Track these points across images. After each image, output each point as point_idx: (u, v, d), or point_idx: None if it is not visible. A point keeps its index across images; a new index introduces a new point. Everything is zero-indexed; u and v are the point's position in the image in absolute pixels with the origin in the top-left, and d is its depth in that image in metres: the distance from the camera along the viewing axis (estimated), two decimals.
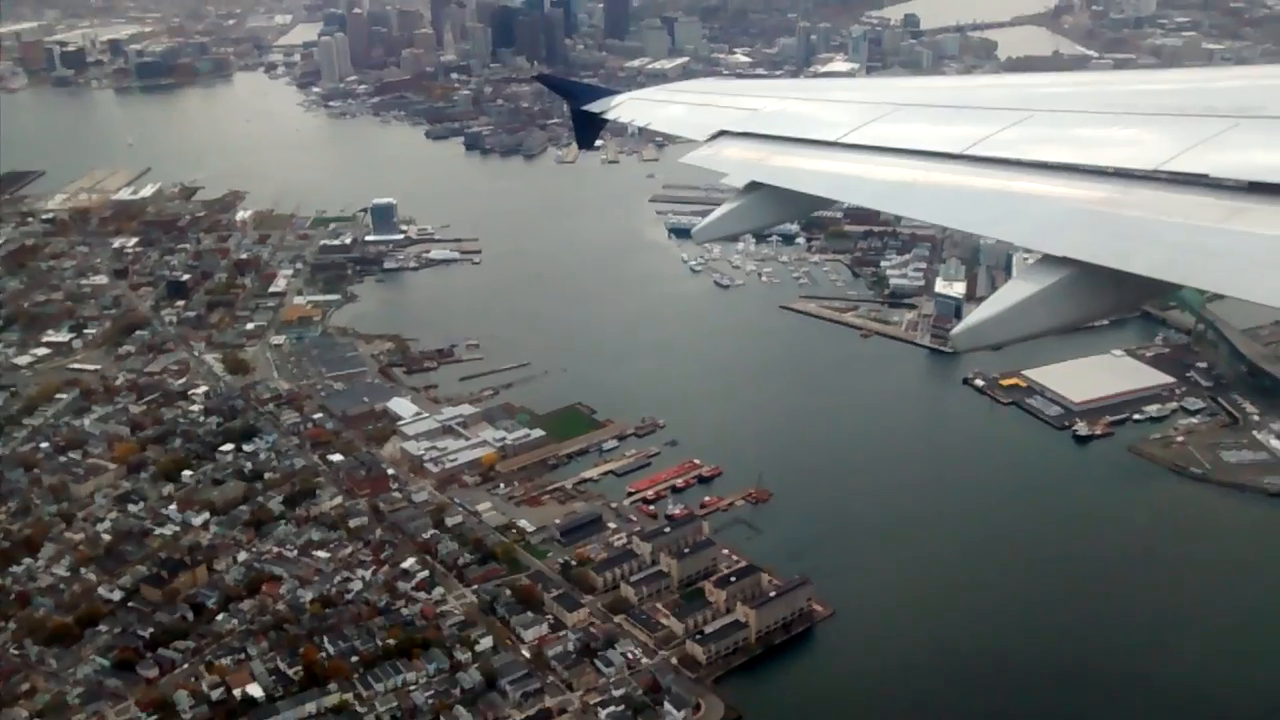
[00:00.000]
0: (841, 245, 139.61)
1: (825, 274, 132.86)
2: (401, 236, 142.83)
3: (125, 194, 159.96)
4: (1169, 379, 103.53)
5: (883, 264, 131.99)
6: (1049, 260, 7.65)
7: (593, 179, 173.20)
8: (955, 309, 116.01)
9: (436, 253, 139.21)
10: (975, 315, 7.62)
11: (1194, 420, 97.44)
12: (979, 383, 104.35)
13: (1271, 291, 6.51)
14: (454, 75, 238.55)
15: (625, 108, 19.16)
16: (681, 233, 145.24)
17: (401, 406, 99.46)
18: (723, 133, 14.50)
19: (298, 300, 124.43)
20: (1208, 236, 7.14)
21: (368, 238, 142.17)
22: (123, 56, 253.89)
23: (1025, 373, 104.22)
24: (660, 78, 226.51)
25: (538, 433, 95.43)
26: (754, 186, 12.27)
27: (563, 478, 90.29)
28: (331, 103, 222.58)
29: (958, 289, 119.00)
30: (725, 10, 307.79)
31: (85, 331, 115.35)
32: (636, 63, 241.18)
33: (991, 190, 9.27)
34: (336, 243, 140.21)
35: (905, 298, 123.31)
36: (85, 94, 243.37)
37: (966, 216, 9.55)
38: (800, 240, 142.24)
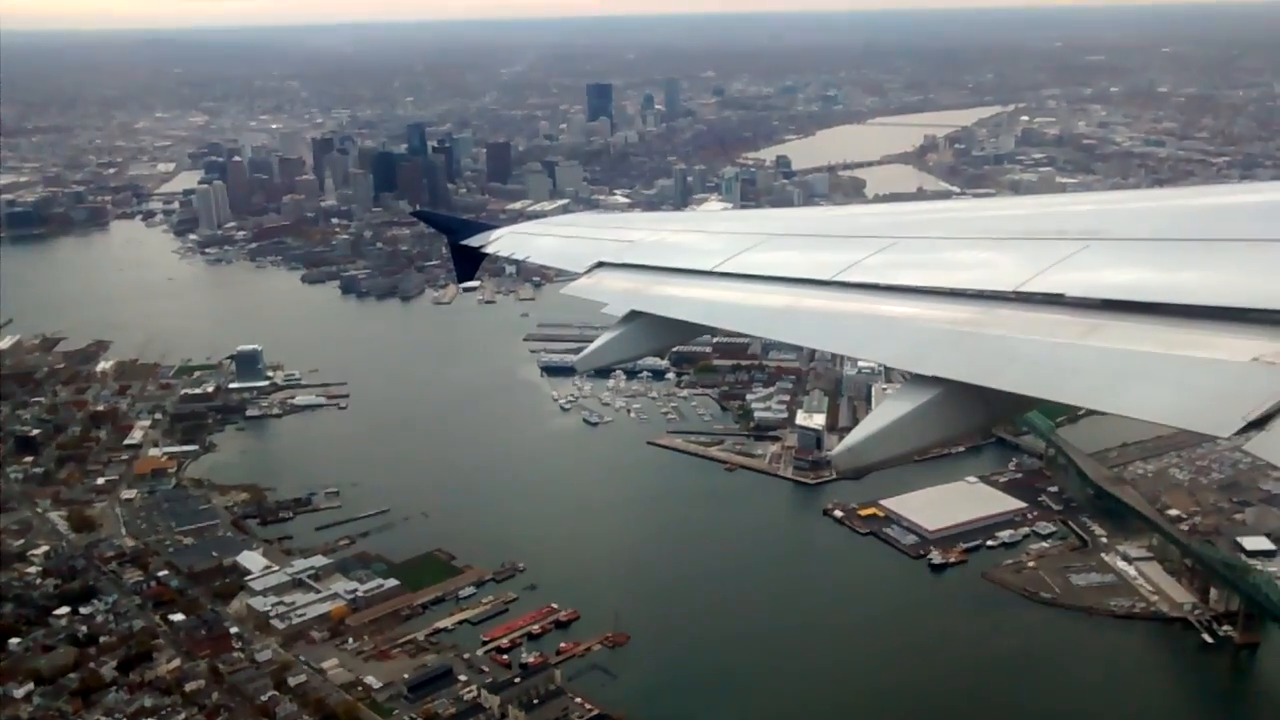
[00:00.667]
0: (710, 380, 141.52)
1: (693, 408, 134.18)
2: (266, 383, 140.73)
3: None
4: (1021, 504, 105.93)
5: (748, 397, 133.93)
6: (919, 380, 7.81)
7: (468, 319, 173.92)
8: (816, 440, 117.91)
9: (301, 399, 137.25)
10: (853, 437, 7.71)
11: (1045, 544, 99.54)
12: (838, 514, 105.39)
13: (1128, 403, 6.70)
14: (334, 220, 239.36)
15: (504, 241, 19.14)
16: (553, 370, 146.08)
17: (251, 560, 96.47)
18: (601, 264, 14.72)
19: (153, 452, 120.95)
20: (1067, 352, 7.34)
21: (231, 385, 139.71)
22: None
23: (883, 502, 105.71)
24: (540, 218, 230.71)
25: (392, 582, 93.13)
26: (633, 315, 12.41)
27: (417, 629, 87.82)
28: (208, 250, 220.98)
29: (818, 420, 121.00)
30: (606, 154, 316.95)
31: None
32: (518, 205, 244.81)
33: (861, 314, 9.50)
34: (198, 391, 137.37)
35: (770, 430, 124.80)
36: None
37: (838, 341, 9.86)
38: (670, 375, 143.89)
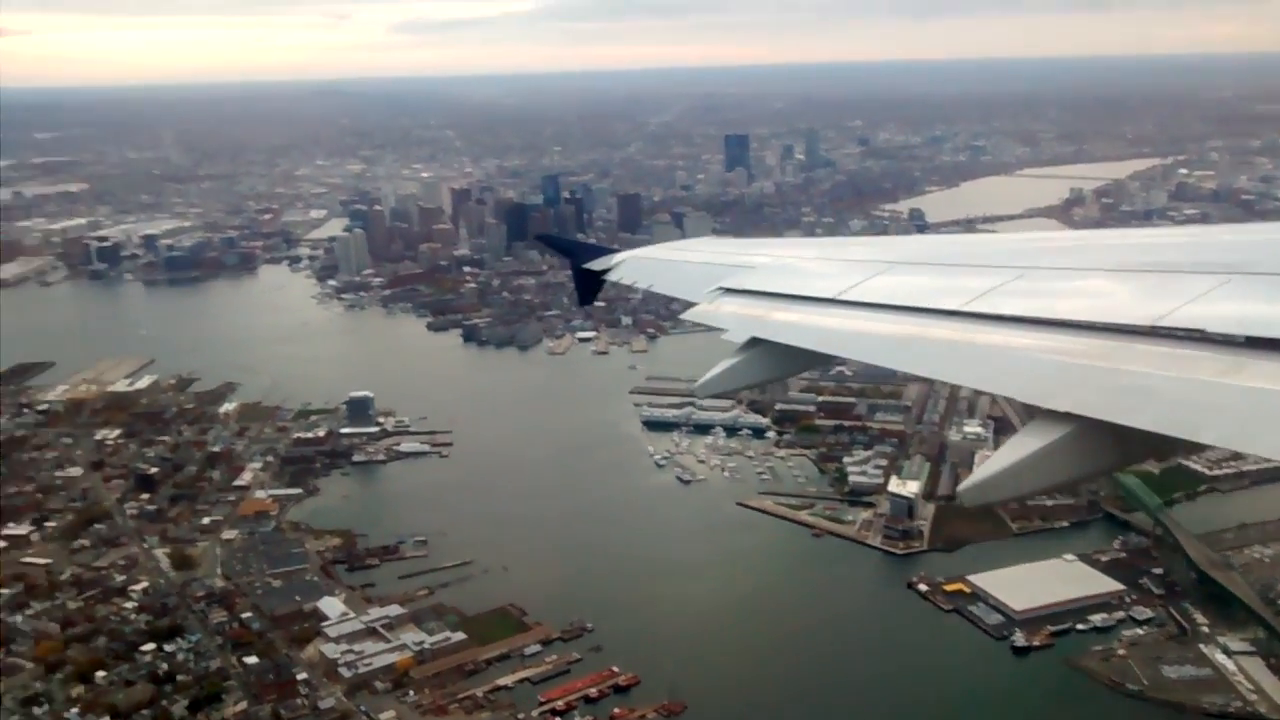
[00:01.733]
0: (810, 440, 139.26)
1: (789, 469, 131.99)
2: (376, 429, 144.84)
3: (122, 385, 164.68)
4: (1120, 586, 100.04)
5: (846, 460, 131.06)
6: (1051, 416, 7.73)
7: (579, 370, 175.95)
8: (907, 508, 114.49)
9: (406, 445, 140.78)
10: (981, 472, 7.74)
11: (1140, 631, 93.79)
12: (922, 587, 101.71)
13: (1272, 445, 6.55)
14: (466, 269, 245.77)
15: (625, 266, 19.61)
16: (654, 425, 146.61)
17: (331, 606, 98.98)
18: (722, 289, 14.83)
19: (259, 494, 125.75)
20: (1207, 391, 7.18)
21: (343, 430, 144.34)
22: (154, 251, 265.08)
23: (970, 578, 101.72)
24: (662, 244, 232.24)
25: (460, 636, 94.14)
26: (753, 342, 12.48)
27: (478, 685, 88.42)
28: (344, 295, 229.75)
29: (912, 488, 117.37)
30: (740, 205, 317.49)
31: (46, 524, 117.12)
32: None
33: (991, 346, 9.40)
34: (310, 435, 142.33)
35: (864, 495, 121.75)
36: (117, 287, 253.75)
37: (964, 372, 9.70)
38: (770, 434, 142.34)
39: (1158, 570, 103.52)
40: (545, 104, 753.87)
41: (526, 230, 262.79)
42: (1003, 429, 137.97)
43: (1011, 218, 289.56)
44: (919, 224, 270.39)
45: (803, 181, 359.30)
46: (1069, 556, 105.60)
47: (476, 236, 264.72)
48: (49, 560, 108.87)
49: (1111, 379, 7.79)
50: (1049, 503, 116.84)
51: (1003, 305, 9.68)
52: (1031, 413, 7.97)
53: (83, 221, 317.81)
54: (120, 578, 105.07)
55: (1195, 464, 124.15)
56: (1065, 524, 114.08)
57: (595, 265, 20.00)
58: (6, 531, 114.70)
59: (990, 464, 7.71)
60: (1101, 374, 7.90)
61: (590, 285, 20.14)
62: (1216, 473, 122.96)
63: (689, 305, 15.02)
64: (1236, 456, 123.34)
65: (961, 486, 7.90)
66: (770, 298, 13.55)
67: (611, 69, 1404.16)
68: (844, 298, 12.03)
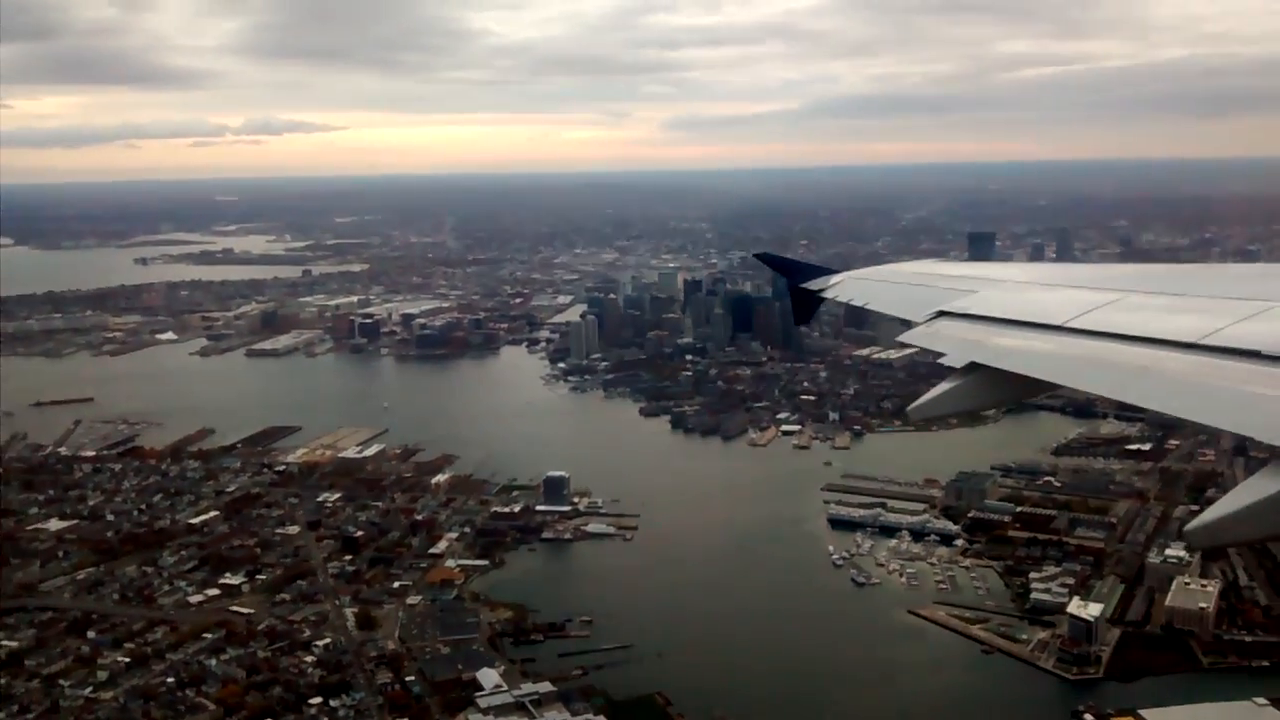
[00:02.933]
0: (1000, 550, 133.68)
1: (971, 580, 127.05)
2: (569, 508, 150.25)
3: (353, 452, 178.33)
4: None
5: (1032, 574, 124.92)
6: None
7: (776, 463, 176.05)
8: (1086, 632, 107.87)
9: (593, 526, 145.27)
10: (1212, 512, 7.52)
11: None
12: (1088, 717, 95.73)
13: None
14: (689, 357, 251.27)
15: (843, 287, 20.17)
16: (839, 523, 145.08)
17: (487, 677, 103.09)
18: (942, 313, 15.08)
19: (450, 563, 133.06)
20: None
21: (538, 507, 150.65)
22: (409, 328, 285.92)
23: (1142, 711, 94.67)
24: (886, 366, 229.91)
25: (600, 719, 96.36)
26: (973, 367, 12.55)
27: None
28: (570, 377, 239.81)
29: (1094, 610, 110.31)
30: None
31: (258, 577, 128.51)
32: (865, 351, 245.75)
33: (1231, 381, 9.10)
34: (506, 510, 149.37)
35: (1045, 614, 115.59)
36: (373, 360, 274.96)
37: (1199, 408, 9.22)
38: (959, 542, 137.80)
39: None
40: (803, 198, 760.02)
41: (751, 321, 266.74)
42: (1211, 553, 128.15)
43: None
44: None
45: None
46: (1260, 700, 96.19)
47: (702, 325, 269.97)
48: (252, 610, 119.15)
49: None
50: (1248, 639, 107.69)
51: (1244, 340, 9.36)
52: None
53: (354, 299, 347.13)
54: (308, 632, 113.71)
55: None
56: (1266, 663, 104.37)
57: (813, 285, 20.69)
58: (222, 580, 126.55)
59: (1222, 505, 7.39)
60: None
61: (807, 305, 21.07)
62: None
63: (907, 326, 15.43)
64: None
65: (1189, 526, 7.60)
66: (991, 322, 13.62)
67: (876, 164, 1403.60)
68: (1071, 325, 11.93)
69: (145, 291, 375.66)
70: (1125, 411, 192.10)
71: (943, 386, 12.74)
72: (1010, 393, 12.58)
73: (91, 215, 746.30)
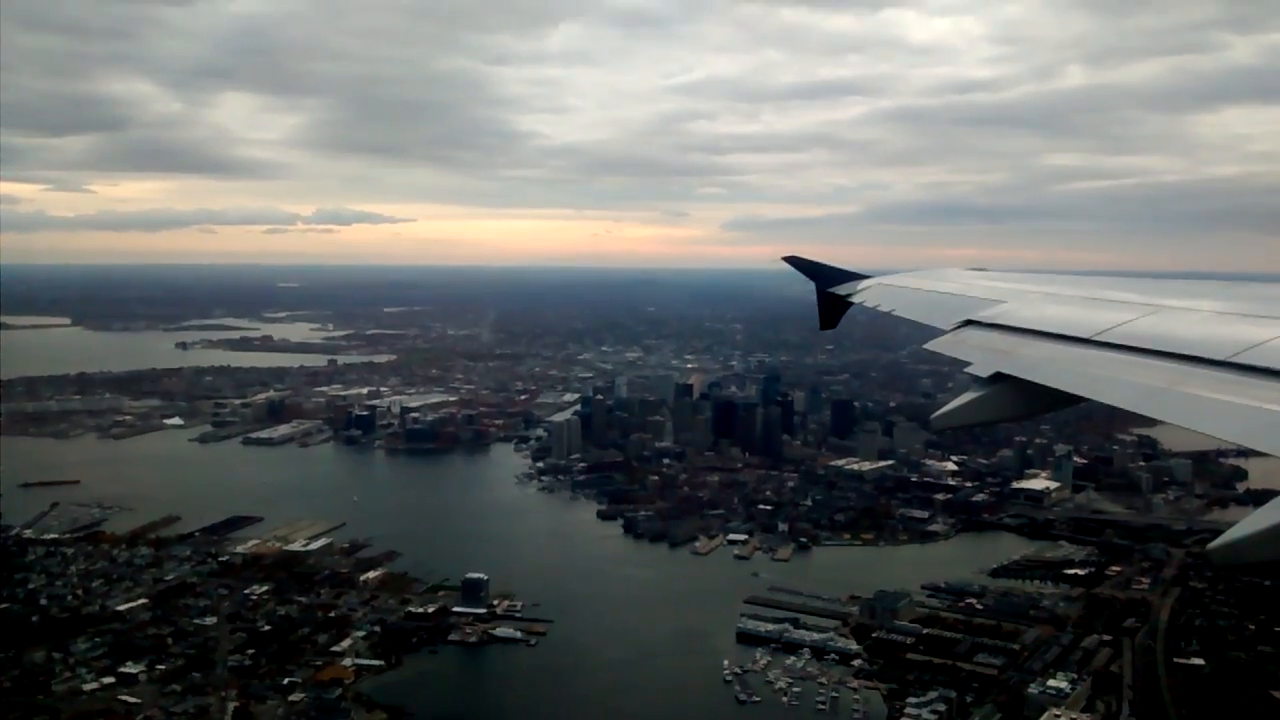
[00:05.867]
0: (893, 673, 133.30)
1: (853, 703, 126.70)
2: (485, 610, 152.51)
3: (299, 545, 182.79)
4: None
5: (910, 700, 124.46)
6: None
7: (711, 572, 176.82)
8: None
9: (501, 630, 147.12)
10: (1235, 531, 7.39)
11: None
12: None
13: None
14: (666, 460, 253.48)
15: (871, 292, 20.52)
16: (746, 637, 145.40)
17: None
18: (969, 321, 15.03)
19: (345, 662, 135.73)
20: None
21: (454, 609, 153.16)
22: (404, 422, 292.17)
23: None
24: (857, 478, 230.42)
25: None
26: (999, 378, 12.40)
27: None
28: (544, 478, 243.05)
29: None
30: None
31: (158, 666, 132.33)
32: (841, 461, 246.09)
33: (1258, 400, 8.94)
34: (421, 610, 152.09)
35: None
36: (365, 452, 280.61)
37: (1223, 425, 9.12)
38: (857, 661, 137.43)
39: None
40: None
41: (734, 428, 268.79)
42: (1105, 687, 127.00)
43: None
44: (1146, 452, 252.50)
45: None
46: None
47: (685, 430, 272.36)
48: (139, 700, 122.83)
49: None
50: None
51: (1276, 359, 9.31)
52: None
53: (363, 391, 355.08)
54: None
55: None
56: None
57: (841, 290, 21.28)
58: (121, 669, 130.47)
59: (1250, 523, 7.34)
60: None
61: (833, 310, 21.58)
62: None
63: (936, 333, 15.32)
64: None
65: (1212, 545, 7.47)
66: (1019, 333, 13.48)
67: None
68: (1101, 338, 11.84)
69: (169, 376, 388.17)
70: (1079, 535, 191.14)
71: (967, 396, 12.65)
72: (1035, 405, 12.47)
73: (152, 298, 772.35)
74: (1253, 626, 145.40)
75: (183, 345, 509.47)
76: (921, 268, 25.50)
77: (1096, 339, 11.74)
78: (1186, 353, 10.33)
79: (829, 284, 21.49)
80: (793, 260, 27.41)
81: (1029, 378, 11.86)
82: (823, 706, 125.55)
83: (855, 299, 20.11)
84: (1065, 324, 12.92)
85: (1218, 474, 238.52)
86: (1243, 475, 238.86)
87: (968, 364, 13.31)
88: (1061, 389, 11.35)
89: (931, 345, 14.72)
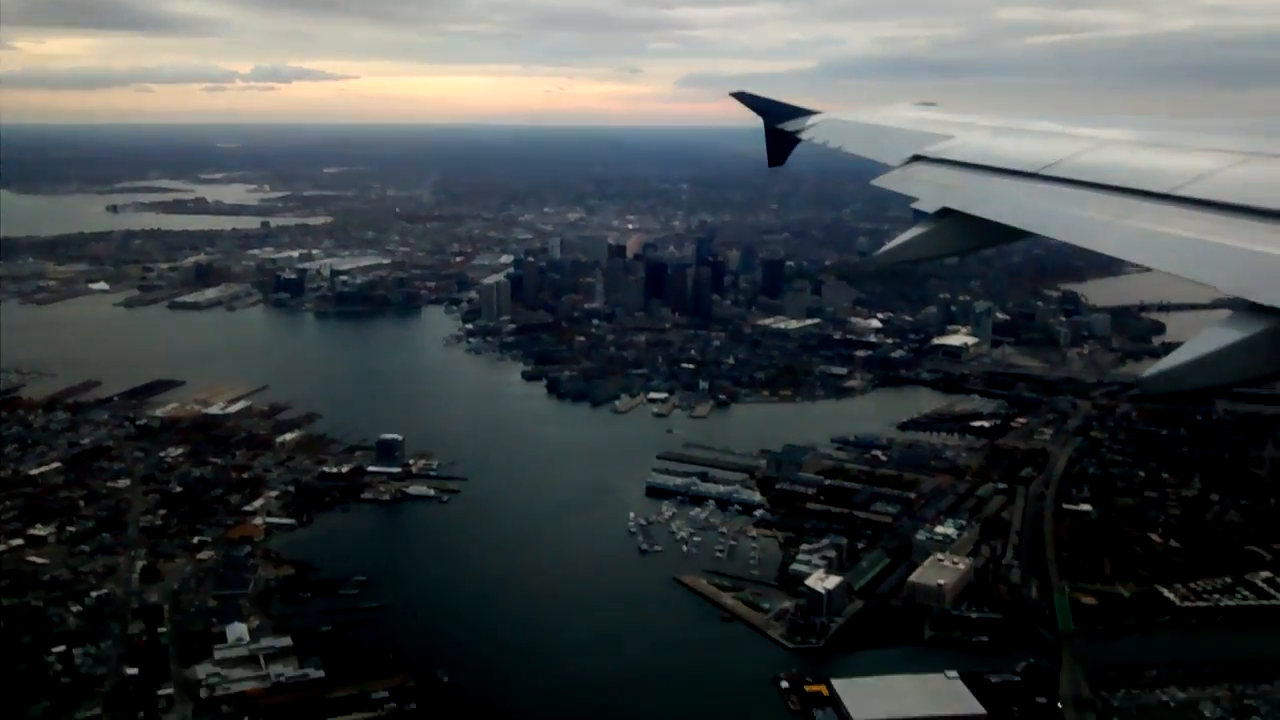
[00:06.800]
0: (791, 523, 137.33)
1: (751, 549, 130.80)
2: (399, 470, 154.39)
3: (218, 409, 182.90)
4: (981, 711, 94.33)
5: (803, 546, 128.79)
6: (1254, 310, 7.53)
7: (628, 430, 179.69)
8: (819, 604, 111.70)
9: (414, 489, 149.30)
10: (1168, 361, 7.58)
11: None
12: (784, 684, 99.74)
13: None
14: (595, 322, 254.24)
15: (819, 128, 20.35)
16: (655, 491, 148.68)
17: (235, 631, 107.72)
18: (918, 157, 14.92)
19: (256, 521, 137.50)
20: None
21: (369, 468, 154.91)
22: (332, 285, 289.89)
23: (834, 681, 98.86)
24: (783, 336, 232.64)
25: (319, 674, 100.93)
26: (945, 213, 12.47)
27: None
28: (471, 339, 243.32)
29: (830, 583, 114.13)
30: (909, 275, 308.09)
31: (68, 528, 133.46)
32: (768, 321, 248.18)
33: (1201, 233, 9.02)
34: (335, 470, 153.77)
35: (798, 584, 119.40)
36: (293, 315, 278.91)
37: (1168, 257, 9.21)
38: (759, 512, 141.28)
39: (1042, 700, 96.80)
40: (800, 158, 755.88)
41: (664, 288, 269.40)
42: (993, 533, 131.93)
43: (1197, 307, 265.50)
44: (1069, 308, 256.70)
45: (994, 253, 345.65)
46: (951, 673, 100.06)
47: (616, 291, 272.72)
48: (46, 561, 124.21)
49: None
50: (974, 615, 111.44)
51: (1219, 192, 9.31)
52: None
53: (295, 254, 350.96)
54: (91, 583, 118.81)
55: (1169, 593, 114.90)
56: (984, 638, 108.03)
57: (789, 126, 21.07)
58: (31, 531, 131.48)
59: (1182, 353, 7.50)
60: None
61: (782, 146, 21.32)
62: (1188, 604, 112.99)
63: (884, 169, 15.10)
64: (1216, 590, 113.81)
65: (1146, 374, 7.66)
66: (967, 168, 13.40)
67: None
68: (1047, 172, 11.76)
69: (98, 240, 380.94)
70: (991, 389, 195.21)
71: (913, 231, 12.67)
72: (980, 239, 12.49)
73: (84, 159, 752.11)
74: (1143, 474, 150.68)
75: (114, 208, 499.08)
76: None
77: (1044, 173, 11.66)
78: (1132, 186, 10.39)
79: (778, 121, 21.34)
80: (742, 96, 27.15)
81: (975, 212, 11.88)
82: (720, 554, 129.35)
83: (804, 135, 20.00)
84: (1013, 158, 12.84)
85: (1136, 328, 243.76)
86: (1160, 329, 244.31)
87: (914, 199, 13.31)
88: (1007, 223, 11.41)
89: (879, 181, 14.65)
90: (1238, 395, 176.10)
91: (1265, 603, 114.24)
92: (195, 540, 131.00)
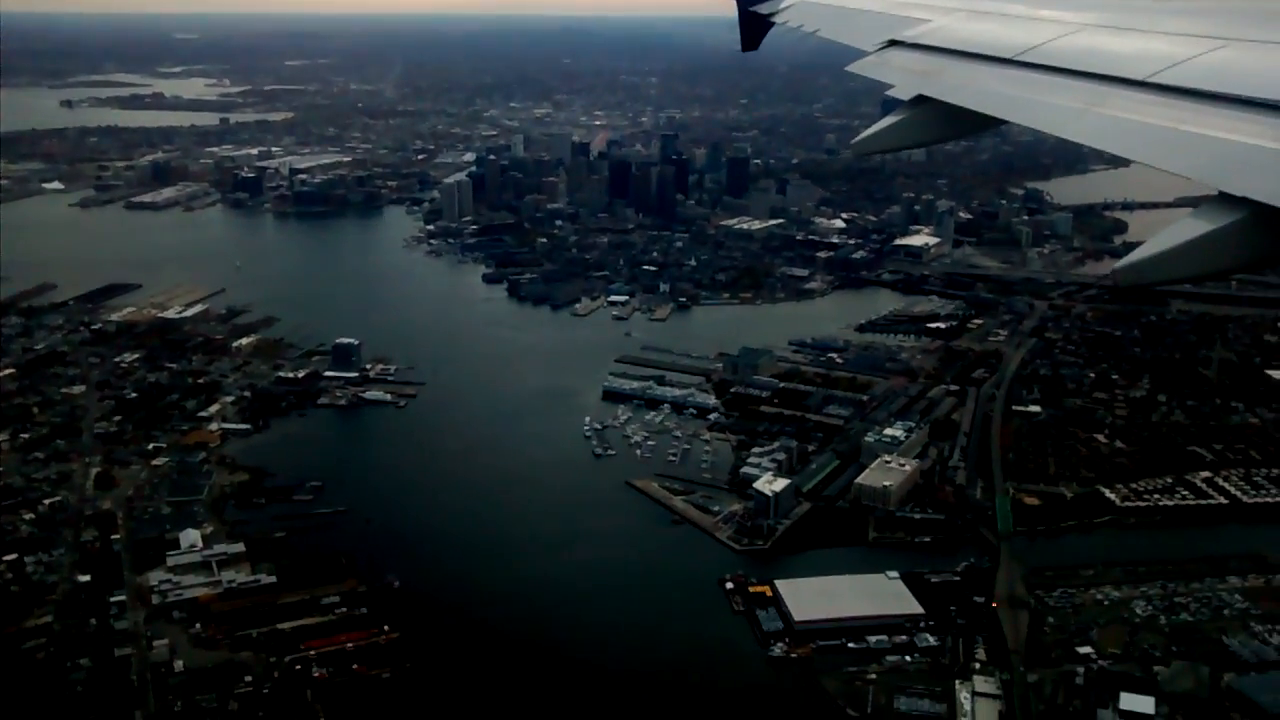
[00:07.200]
0: (744, 426, 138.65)
1: (705, 453, 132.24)
2: (356, 375, 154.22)
3: (174, 312, 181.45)
4: (919, 610, 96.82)
5: (755, 449, 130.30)
6: (1225, 200, 7.45)
7: (588, 333, 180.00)
8: (766, 506, 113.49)
9: (371, 393, 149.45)
10: (1140, 252, 7.59)
11: (908, 659, 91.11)
12: (730, 585, 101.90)
13: None
14: (559, 223, 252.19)
15: (794, 10, 19.89)
16: (611, 394, 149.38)
17: (188, 538, 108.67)
18: (893, 42, 14.63)
19: (212, 426, 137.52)
20: None
21: (326, 373, 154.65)
22: (289, 183, 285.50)
23: (777, 582, 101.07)
24: (746, 238, 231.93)
25: (271, 579, 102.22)
26: (921, 100, 12.32)
27: (260, 625, 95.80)
28: (432, 240, 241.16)
29: (778, 486, 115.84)
30: (877, 173, 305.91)
31: (22, 435, 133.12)
32: (732, 221, 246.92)
33: (1174, 121, 8.93)
34: (291, 375, 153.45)
35: (748, 487, 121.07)
36: (252, 216, 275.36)
37: (1136, 147, 9.11)
38: (714, 415, 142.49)
39: (980, 599, 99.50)
40: (773, 50, 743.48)
41: (628, 188, 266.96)
42: (942, 434, 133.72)
43: (1159, 205, 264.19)
44: (1032, 206, 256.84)
45: (962, 151, 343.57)
46: (892, 573, 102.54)
47: (580, 190, 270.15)
48: (0, 468, 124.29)
49: None
50: (918, 516, 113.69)
51: (1192, 79, 9.23)
52: None
53: (254, 151, 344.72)
54: (46, 490, 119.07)
55: (1111, 494, 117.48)
56: (927, 539, 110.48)
57: (763, 8, 20.68)
58: None
59: (1151, 245, 7.46)
60: None
61: (756, 30, 20.71)
62: (1128, 504, 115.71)
63: (859, 55, 14.80)
64: (1157, 490, 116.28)
65: (1118, 265, 7.66)
66: (943, 54, 13.18)
67: None
68: (1023, 59, 11.64)
69: (51, 137, 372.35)
70: (950, 290, 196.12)
71: (888, 119, 12.45)
72: (956, 128, 12.29)
73: (37, 51, 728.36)
74: (1093, 375, 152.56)
75: (68, 103, 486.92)
76: None
77: (1019, 59, 11.51)
78: (1107, 73, 10.27)
79: (752, 2, 20.69)
80: None
81: (950, 100, 11.70)
82: (673, 458, 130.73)
83: (778, 19, 19.53)
84: (989, 44, 12.63)
85: (1098, 227, 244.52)
86: (1123, 228, 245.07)
87: (889, 86, 13.09)
88: (981, 111, 11.27)
89: (853, 67, 14.36)
90: (1193, 295, 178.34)
91: (1202, 502, 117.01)
92: (150, 447, 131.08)
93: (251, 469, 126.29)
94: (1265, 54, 9.42)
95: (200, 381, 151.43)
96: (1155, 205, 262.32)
